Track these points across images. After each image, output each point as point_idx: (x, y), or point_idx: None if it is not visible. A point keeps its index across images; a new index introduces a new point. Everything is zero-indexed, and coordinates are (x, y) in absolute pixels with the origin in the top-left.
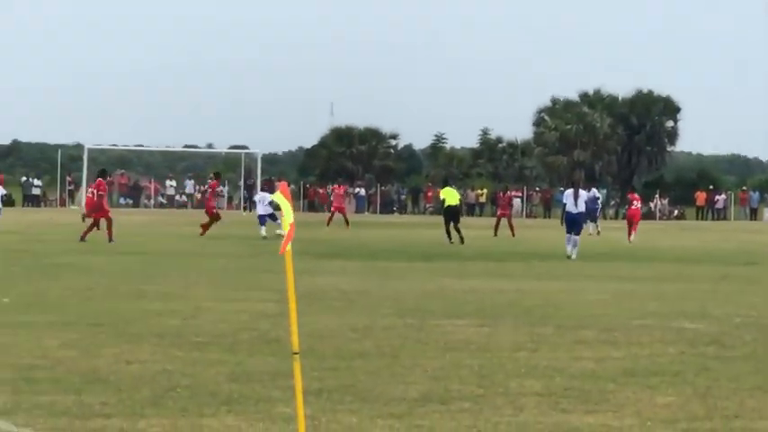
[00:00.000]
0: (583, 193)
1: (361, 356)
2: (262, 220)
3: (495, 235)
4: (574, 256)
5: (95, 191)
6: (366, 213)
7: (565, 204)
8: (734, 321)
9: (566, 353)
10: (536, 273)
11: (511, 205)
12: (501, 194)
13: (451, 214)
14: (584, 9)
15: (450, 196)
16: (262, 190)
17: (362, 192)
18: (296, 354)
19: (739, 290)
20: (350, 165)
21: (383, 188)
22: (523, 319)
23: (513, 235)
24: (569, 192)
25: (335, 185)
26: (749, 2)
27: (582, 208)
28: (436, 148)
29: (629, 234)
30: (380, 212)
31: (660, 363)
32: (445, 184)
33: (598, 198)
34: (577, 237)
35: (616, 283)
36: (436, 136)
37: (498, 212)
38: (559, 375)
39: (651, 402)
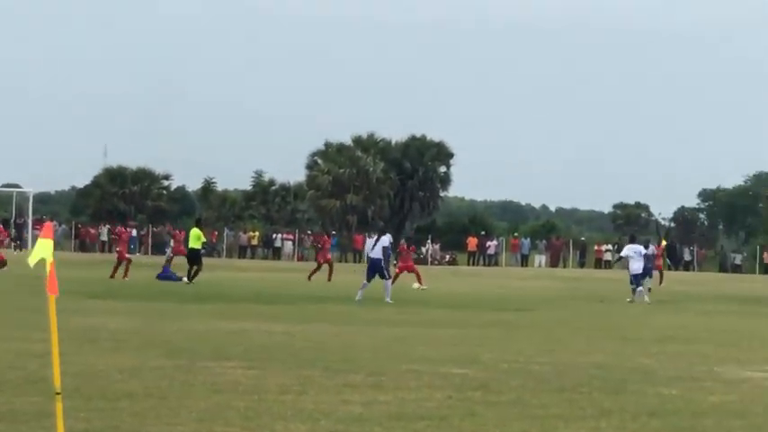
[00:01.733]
0: (384, 239)
1: (127, 397)
2: None
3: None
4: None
5: None
6: (138, 254)
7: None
8: (501, 367)
9: (333, 396)
10: (306, 315)
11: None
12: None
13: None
14: (358, 52)
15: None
16: (34, 229)
17: (134, 232)
18: (58, 394)
19: (508, 336)
20: (122, 205)
21: (155, 229)
22: (292, 362)
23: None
24: (371, 239)
25: (121, 228)
26: (517, 50)
27: (379, 254)
28: (207, 189)
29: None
30: (152, 253)
31: (427, 407)
32: (197, 224)
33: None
34: (384, 280)
35: (386, 327)
36: (206, 179)
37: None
38: (325, 418)
39: None
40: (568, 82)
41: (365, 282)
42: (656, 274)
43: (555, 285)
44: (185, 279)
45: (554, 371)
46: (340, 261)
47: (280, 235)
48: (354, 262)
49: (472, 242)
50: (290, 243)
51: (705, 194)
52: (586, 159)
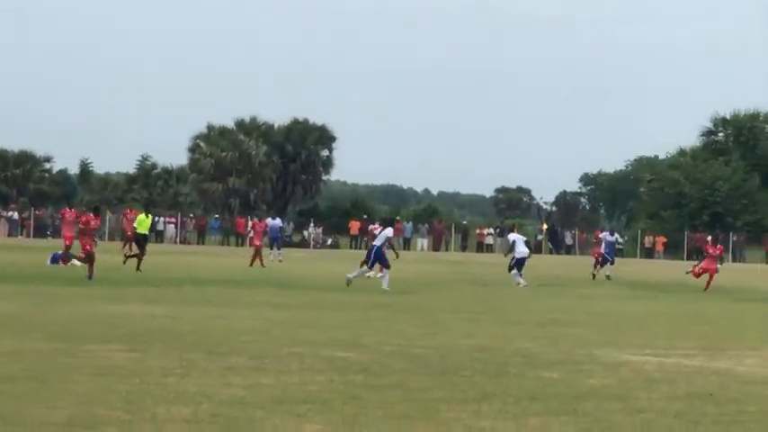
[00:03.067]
0: (388, 230)
1: (8, 380)
2: None
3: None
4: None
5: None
6: (19, 237)
7: None
8: (384, 350)
9: (216, 379)
10: (189, 298)
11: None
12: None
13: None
14: (241, 35)
15: (143, 223)
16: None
17: (15, 215)
18: None
19: (391, 318)
20: (4, 188)
21: (37, 212)
22: (174, 345)
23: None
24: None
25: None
26: (401, 34)
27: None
28: (85, 172)
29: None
30: (34, 236)
31: (309, 390)
32: (146, 210)
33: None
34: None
35: (269, 310)
36: (82, 160)
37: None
38: (208, 401)
39: (299, 430)
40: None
41: (366, 267)
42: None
43: (437, 269)
44: (76, 262)
45: (436, 354)
46: (222, 244)
47: (162, 218)
48: (237, 246)
49: (354, 226)
50: (172, 226)
51: (586, 179)
52: (468, 144)
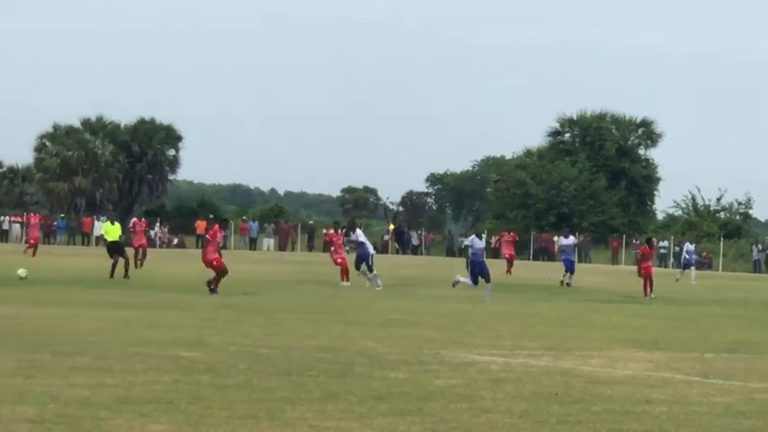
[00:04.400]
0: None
1: None
2: None
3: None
4: None
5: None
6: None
7: None
8: (229, 350)
9: (61, 379)
10: (32, 298)
11: None
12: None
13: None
14: (87, 34)
15: (112, 232)
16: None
17: None
18: None
19: (236, 319)
20: None
21: None
22: (18, 345)
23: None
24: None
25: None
26: (256, 35)
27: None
28: None
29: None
30: None
31: (155, 390)
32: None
33: None
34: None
35: (113, 310)
36: None
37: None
38: (53, 402)
39: (144, 430)
40: (303, 65)
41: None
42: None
43: (283, 269)
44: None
45: (280, 354)
46: (68, 244)
47: (7, 218)
48: (84, 245)
49: (201, 225)
50: (17, 226)
51: (433, 179)
52: (316, 143)
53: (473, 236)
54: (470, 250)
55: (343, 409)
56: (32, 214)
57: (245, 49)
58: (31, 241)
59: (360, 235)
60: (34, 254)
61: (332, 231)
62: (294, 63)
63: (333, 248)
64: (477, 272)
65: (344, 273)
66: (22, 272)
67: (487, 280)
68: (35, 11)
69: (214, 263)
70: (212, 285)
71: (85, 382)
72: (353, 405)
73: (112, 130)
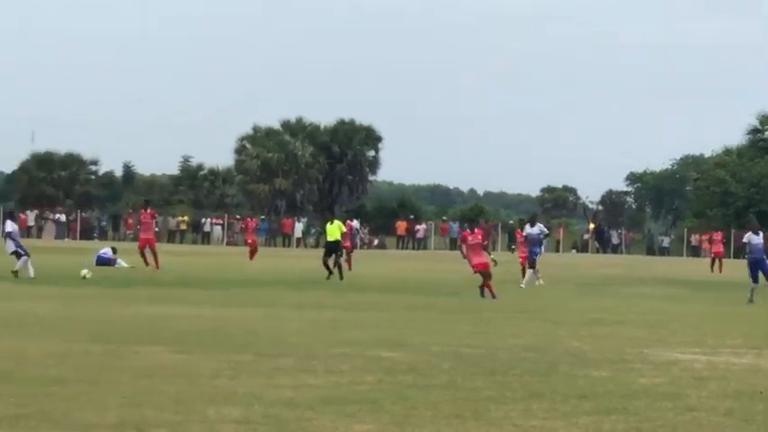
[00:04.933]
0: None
1: (57, 382)
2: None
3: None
4: None
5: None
6: (66, 239)
7: None
8: (432, 350)
9: (264, 380)
10: (235, 300)
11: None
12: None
13: (330, 249)
14: (287, 36)
15: (331, 231)
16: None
17: (63, 218)
18: None
19: (438, 319)
20: (51, 190)
21: (83, 214)
22: (222, 346)
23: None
24: None
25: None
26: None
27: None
28: (128, 174)
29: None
30: (80, 239)
31: (358, 391)
32: (332, 218)
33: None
34: None
35: (316, 311)
36: (125, 163)
37: None
38: (258, 402)
39: (348, 430)
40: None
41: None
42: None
43: None
44: (123, 264)
45: (484, 353)
46: (268, 245)
47: (209, 219)
48: (284, 246)
49: (401, 226)
50: (218, 227)
51: (633, 177)
52: (515, 143)
53: (749, 233)
54: (747, 248)
55: (547, 408)
56: (250, 218)
57: (440, 51)
58: (249, 242)
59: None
60: (252, 257)
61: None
62: (482, 60)
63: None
64: (757, 269)
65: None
66: (85, 272)
67: None
68: (241, 18)
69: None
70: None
71: (289, 383)
72: (557, 404)
73: (312, 132)
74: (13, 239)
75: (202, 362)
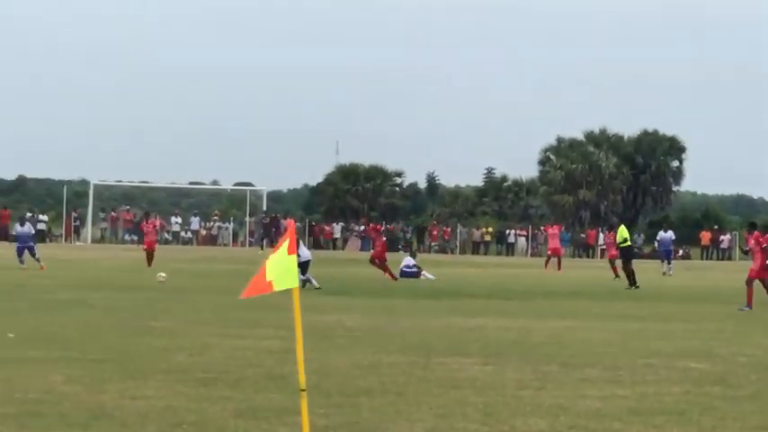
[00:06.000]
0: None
1: (365, 393)
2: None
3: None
4: None
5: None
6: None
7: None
8: (739, 361)
9: (571, 391)
10: (540, 311)
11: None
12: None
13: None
14: (589, 48)
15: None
16: (266, 227)
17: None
18: (303, 390)
19: (744, 329)
20: (355, 202)
21: (388, 226)
22: (528, 357)
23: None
24: None
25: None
26: (754, 42)
27: None
28: (432, 186)
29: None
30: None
31: (665, 402)
32: (620, 223)
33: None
34: None
35: (621, 322)
36: (428, 174)
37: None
38: (564, 414)
39: None
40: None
41: None
42: None
43: None
44: (428, 276)
45: None
46: (572, 257)
47: (513, 231)
48: (589, 257)
49: (705, 236)
50: (523, 239)
51: None
52: None
53: None
54: None
55: None
56: (550, 225)
57: (740, 63)
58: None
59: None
60: (559, 267)
61: None
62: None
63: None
64: None
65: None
66: (161, 275)
67: None
68: (548, 30)
69: None
70: None
71: (596, 394)
72: None
73: (616, 143)
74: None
75: (509, 373)
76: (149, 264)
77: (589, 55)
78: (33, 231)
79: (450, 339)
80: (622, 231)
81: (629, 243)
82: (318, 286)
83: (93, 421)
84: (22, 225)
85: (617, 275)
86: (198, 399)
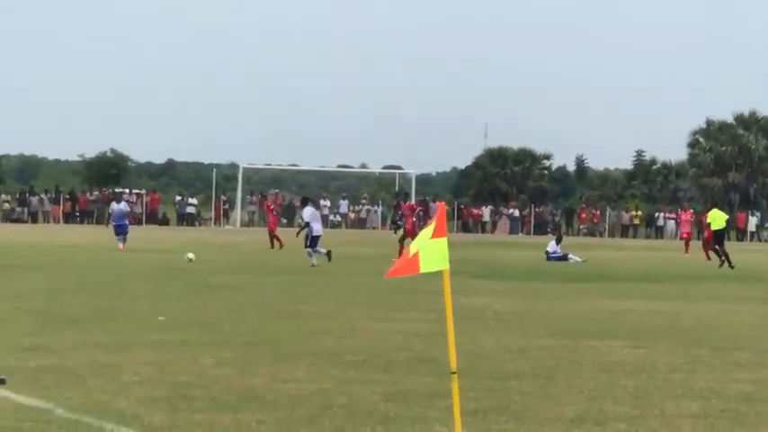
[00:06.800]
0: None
1: (515, 377)
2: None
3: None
4: None
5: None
6: (519, 234)
7: None
8: None
9: (722, 374)
10: (690, 294)
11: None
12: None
13: (717, 237)
14: (741, 30)
15: (717, 220)
16: (414, 209)
17: (516, 213)
18: (454, 373)
19: None
20: (504, 185)
21: (537, 209)
22: (679, 341)
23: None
24: None
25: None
26: None
27: None
28: (581, 169)
29: None
30: (534, 233)
31: None
32: (714, 206)
33: None
34: None
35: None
36: (577, 157)
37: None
38: (716, 397)
39: None
40: None
41: None
42: None
43: None
44: (576, 258)
45: None
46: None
47: (662, 214)
48: (737, 240)
49: None
50: (672, 222)
51: None
52: None
53: None
54: None
55: None
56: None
57: None
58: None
59: None
60: (686, 250)
61: None
62: None
63: None
64: None
65: None
66: (190, 255)
67: None
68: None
69: None
70: None
71: (747, 377)
72: None
73: (766, 125)
74: None
75: (659, 356)
76: (271, 245)
77: (740, 35)
78: (128, 209)
79: (599, 323)
80: (716, 215)
81: (723, 226)
82: (316, 264)
83: (243, 404)
84: (118, 203)
85: (709, 258)
86: (348, 382)
